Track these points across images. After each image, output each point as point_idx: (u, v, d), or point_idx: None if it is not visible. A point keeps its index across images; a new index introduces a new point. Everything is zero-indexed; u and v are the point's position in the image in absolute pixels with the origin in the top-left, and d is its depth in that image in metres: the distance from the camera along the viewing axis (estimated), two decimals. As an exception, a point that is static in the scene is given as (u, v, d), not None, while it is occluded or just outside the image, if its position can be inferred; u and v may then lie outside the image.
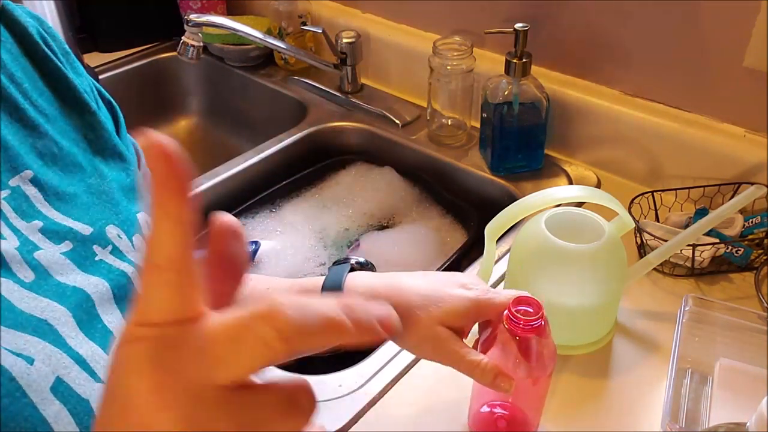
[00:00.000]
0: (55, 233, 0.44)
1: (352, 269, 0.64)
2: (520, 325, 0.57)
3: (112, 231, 0.47)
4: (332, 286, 0.61)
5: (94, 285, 0.44)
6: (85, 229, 0.46)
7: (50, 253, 0.43)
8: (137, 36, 1.40)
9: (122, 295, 0.46)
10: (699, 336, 0.74)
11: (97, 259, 0.45)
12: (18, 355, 0.38)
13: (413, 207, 1.09)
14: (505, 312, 0.58)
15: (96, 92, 0.55)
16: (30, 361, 0.38)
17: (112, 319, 0.44)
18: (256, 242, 1.01)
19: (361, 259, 0.69)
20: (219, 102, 1.41)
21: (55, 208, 0.45)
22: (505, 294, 0.59)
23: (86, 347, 0.42)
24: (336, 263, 0.68)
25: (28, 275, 0.41)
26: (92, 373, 0.41)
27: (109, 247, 0.46)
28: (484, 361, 0.56)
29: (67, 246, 0.44)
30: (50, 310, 0.41)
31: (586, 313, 0.73)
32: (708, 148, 0.92)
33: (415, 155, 1.13)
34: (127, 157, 0.53)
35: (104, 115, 0.54)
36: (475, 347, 0.61)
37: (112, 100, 0.57)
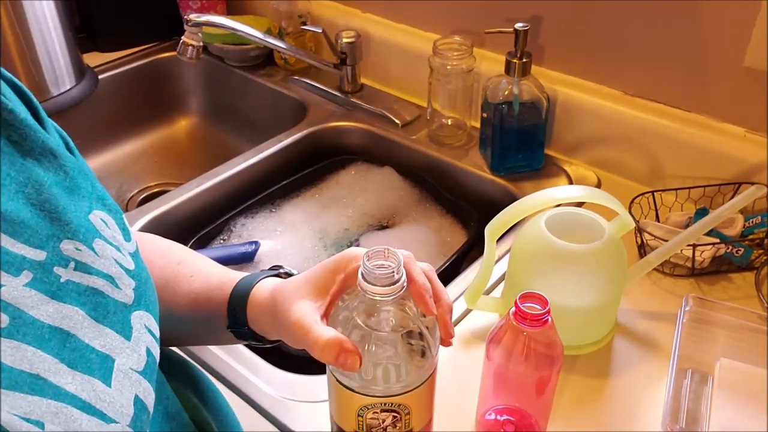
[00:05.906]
0: (9, 264, 0.38)
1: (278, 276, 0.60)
2: (527, 320, 0.58)
3: (67, 246, 0.42)
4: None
5: (69, 317, 0.40)
6: (38, 255, 0.40)
7: (12, 287, 0.38)
8: (137, 36, 1.40)
9: (102, 314, 0.42)
10: (699, 336, 0.74)
11: (63, 281, 0.41)
12: (27, 420, 0.34)
13: (413, 207, 1.09)
14: (512, 308, 0.59)
15: None
16: (41, 425, 0.35)
17: (103, 341, 0.41)
18: (255, 242, 1.01)
19: (294, 271, 0.62)
20: (219, 102, 1.41)
21: (3, 232, 0.39)
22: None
23: (88, 387, 0.38)
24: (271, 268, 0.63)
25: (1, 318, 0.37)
26: (102, 416, 0.38)
27: (72, 264, 0.42)
28: (323, 338, 0.49)
29: (27, 276, 0.39)
30: (38, 360, 0.37)
31: (586, 313, 0.73)
32: (708, 148, 0.92)
33: (415, 155, 1.12)
34: (57, 150, 0.45)
35: (22, 110, 0.45)
36: (487, 343, 0.61)
37: (17, 83, 0.46)
